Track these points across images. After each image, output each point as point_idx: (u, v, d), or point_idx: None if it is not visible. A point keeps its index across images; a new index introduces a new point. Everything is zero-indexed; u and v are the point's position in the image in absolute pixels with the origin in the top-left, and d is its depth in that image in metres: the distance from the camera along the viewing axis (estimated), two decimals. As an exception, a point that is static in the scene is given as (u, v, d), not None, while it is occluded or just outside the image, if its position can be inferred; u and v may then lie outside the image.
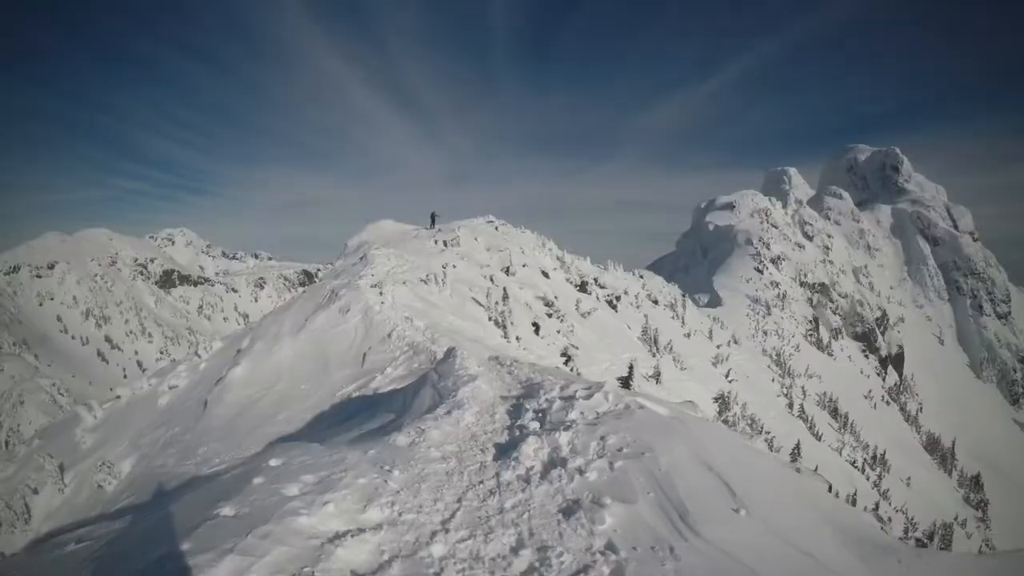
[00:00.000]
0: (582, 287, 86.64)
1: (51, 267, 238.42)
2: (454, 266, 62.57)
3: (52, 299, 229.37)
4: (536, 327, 62.93)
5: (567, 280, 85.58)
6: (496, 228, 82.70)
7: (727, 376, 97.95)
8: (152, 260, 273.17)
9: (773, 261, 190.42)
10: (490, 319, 56.39)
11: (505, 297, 58.33)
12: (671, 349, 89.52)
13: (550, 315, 68.00)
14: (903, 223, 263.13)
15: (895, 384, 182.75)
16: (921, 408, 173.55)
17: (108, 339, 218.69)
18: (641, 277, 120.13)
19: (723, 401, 76.74)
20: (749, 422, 78.82)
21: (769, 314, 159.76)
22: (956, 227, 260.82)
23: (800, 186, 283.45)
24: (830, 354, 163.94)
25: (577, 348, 64.35)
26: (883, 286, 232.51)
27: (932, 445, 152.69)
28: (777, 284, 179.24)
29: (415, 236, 71.91)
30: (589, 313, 78.13)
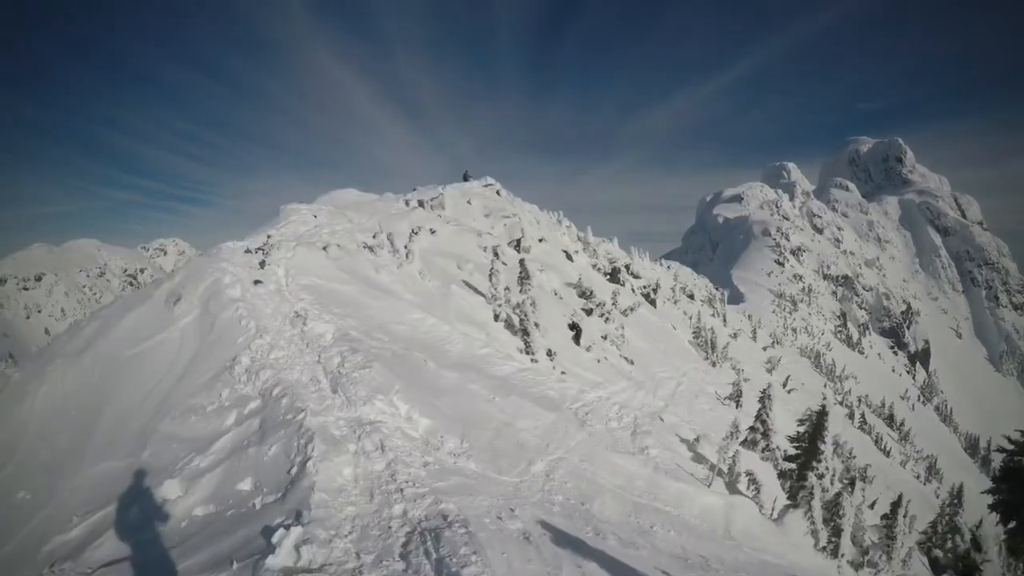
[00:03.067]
0: (613, 276, 57.55)
1: (38, 279, 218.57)
2: (431, 230, 35.60)
3: (40, 311, 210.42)
4: (575, 331, 34.06)
5: (594, 266, 57.02)
6: (498, 192, 53.21)
7: (785, 386, 71.82)
8: (142, 270, 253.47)
9: (793, 253, 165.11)
10: (497, 317, 29.71)
11: (524, 278, 29.47)
12: (727, 355, 64.21)
13: (589, 311, 39.13)
14: (911, 214, 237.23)
15: (924, 382, 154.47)
16: (948, 406, 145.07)
17: None
18: (669, 267, 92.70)
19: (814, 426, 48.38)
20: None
21: (796, 310, 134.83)
22: (964, 216, 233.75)
23: (800, 180, 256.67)
24: (861, 352, 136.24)
25: (633, 363, 39.02)
26: (896, 279, 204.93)
27: (972, 447, 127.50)
28: (800, 277, 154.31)
29: (380, 200, 47.19)
30: (632, 310, 49.26)
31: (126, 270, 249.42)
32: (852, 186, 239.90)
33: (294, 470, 12.31)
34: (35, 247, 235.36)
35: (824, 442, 27.81)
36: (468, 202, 47.94)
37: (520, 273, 31.62)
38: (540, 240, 49.80)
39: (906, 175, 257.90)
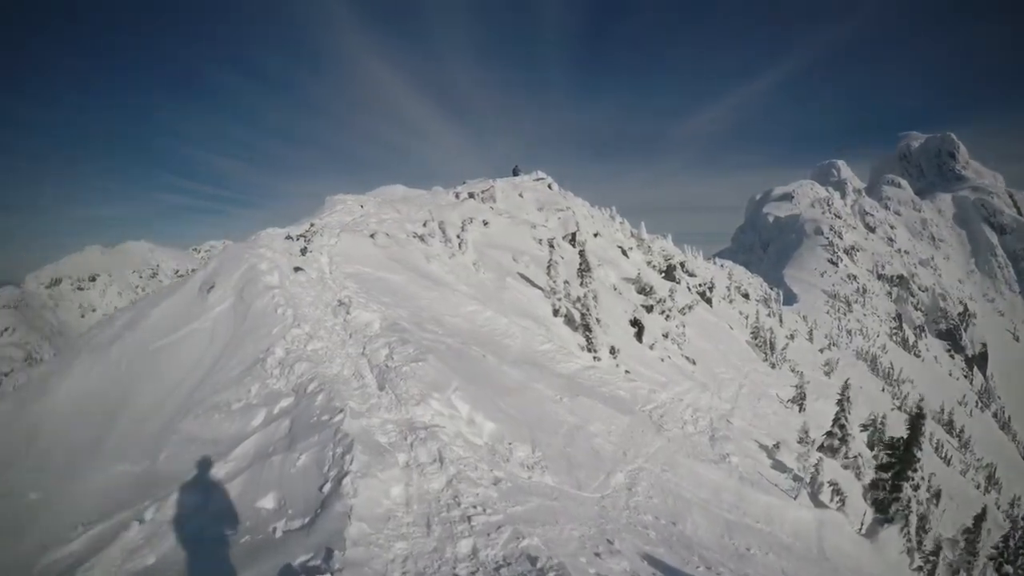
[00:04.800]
0: (668, 273, 54.78)
1: (92, 279, 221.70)
2: (484, 222, 33.04)
3: (93, 311, 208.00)
4: (637, 327, 31.48)
5: (649, 264, 54.29)
6: (550, 186, 50.80)
7: (845, 391, 66.94)
8: (193, 271, 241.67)
9: (847, 252, 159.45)
10: (557, 312, 27.36)
11: (585, 271, 27.04)
12: (785, 356, 60.93)
13: (649, 308, 36.50)
14: (966, 211, 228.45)
15: (982, 387, 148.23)
16: (1005, 412, 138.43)
17: None
18: (723, 265, 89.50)
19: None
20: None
21: (850, 311, 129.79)
22: (1021, 214, 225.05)
23: (851, 178, 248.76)
24: (917, 355, 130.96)
25: (695, 363, 36.47)
26: (951, 279, 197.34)
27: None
28: (855, 277, 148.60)
29: (429, 193, 45.47)
30: (689, 308, 46.60)
31: (177, 271, 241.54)
32: (904, 183, 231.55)
33: (327, 487, 9.89)
34: (89, 249, 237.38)
35: (920, 449, 25.12)
36: (520, 195, 45.72)
37: (580, 265, 29.24)
38: (595, 235, 47.43)
39: (959, 171, 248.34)
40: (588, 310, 26.43)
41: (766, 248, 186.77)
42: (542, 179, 54.43)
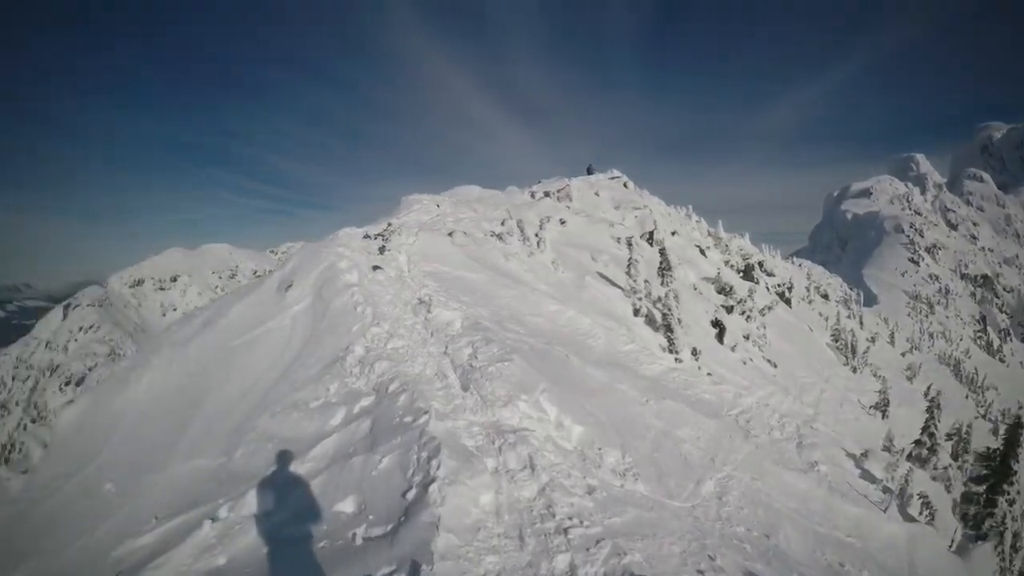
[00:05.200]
0: (747, 273, 53.22)
1: (173, 280, 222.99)
2: (561, 221, 32.10)
3: (174, 309, 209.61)
4: (719, 328, 30.56)
5: (727, 263, 52.93)
6: (625, 185, 49.79)
7: (935, 398, 64.16)
8: (270, 272, 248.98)
9: (928, 250, 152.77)
10: (637, 312, 27.59)
11: (666, 269, 26.25)
12: (867, 360, 57.64)
13: (730, 309, 35.39)
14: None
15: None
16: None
17: None
18: (800, 265, 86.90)
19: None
20: None
21: (932, 313, 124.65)
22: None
23: (930, 173, 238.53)
24: (1002, 360, 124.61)
25: (776, 366, 35.28)
26: None
27: None
28: (936, 277, 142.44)
29: (504, 193, 45.65)
30: (769, 309, 45.05)
31: (255, 272, 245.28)
32: (987, 176, 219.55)
33: (411, 493, 9.30)
34: (171, 251, 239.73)
35: (1018, 461, 23.62)
36: (596, 194, 44.96)
37: (660, 264, 28.40)
38: (673, 233, 46.43)
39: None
40: (669, 310, 25.61)
41: (844, 247, 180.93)
42: (617, 177, 53.36)
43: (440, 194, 40.45)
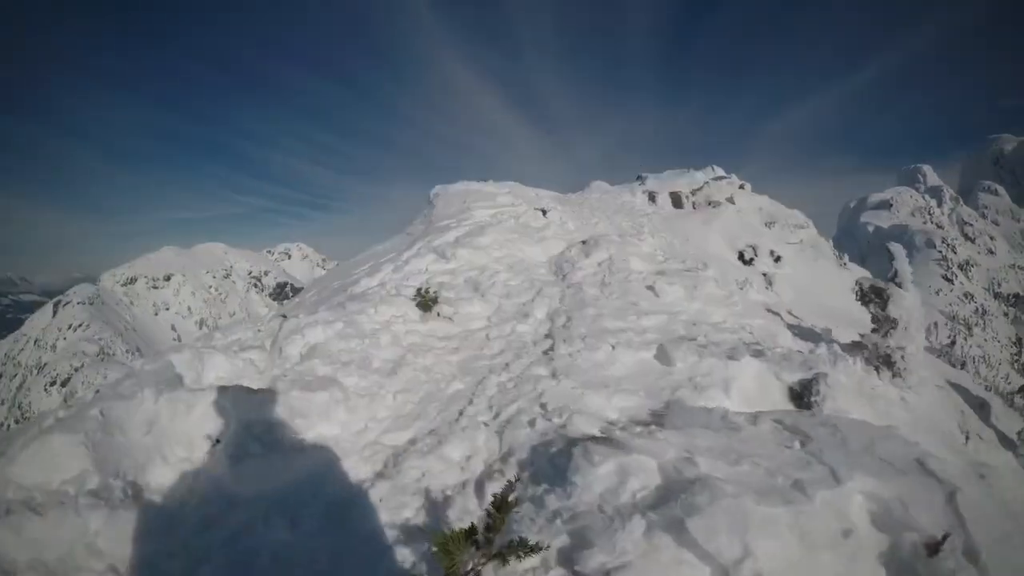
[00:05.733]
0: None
1: (167, 279, 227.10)
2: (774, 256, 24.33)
3: (167, 309, 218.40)
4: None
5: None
6: (741, 187, 40.88)
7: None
8: (266, 273, 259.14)
9: (961, 268, 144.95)
10: None
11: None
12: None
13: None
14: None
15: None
16: None
17: None
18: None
19: None
20: None
21: (971, 335, 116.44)
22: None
23: (944, 184, 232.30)
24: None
25: None
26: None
27: None
28: (972, 296, 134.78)
29: (580, 194, 35.77)
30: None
31: (251, 272, 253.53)
32: (1002, 190, 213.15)
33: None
34: (165, 249, 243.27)
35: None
36: (728, 200, 36.30)
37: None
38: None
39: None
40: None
41: (864, 262, 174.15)
42: (722, 177, 44.36)
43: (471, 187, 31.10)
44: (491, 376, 9.39)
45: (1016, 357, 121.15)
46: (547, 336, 10.94)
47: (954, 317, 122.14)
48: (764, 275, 25.79)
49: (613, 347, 9.88)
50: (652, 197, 33.62)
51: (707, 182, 36.08)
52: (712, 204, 32.73)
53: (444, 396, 9.00)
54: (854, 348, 14.30)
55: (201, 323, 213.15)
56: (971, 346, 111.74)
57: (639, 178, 40.78)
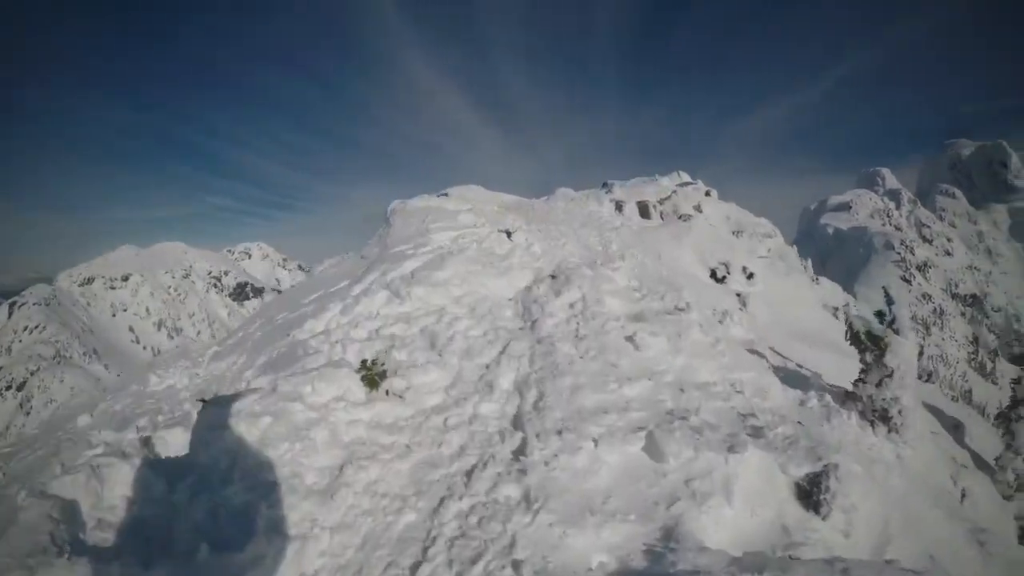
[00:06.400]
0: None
1: (125, 279, 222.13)
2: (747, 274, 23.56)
3: (125, 310, 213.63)
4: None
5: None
6: (708, 194, 39.59)
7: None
8: (226, 273, 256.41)
9: (920, 269, 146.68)
10: None
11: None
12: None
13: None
14: (1022, 224, 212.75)
15: (1022, 398, 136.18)
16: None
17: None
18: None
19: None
20: None
21: (929, 334, 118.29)
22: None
23: (902, 188, 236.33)
24: (995, 382, 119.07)
25: None
26: (1010, 297, 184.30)
27: None
28: (930, 297, 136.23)
29: (547, 200, 34.37)
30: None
31: (210, 272, 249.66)
32: (959, 193, 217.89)
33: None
34: (123, 248, 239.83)
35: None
36: (697, 210, 34.90)
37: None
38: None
39: (1011, 181, 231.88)
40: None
41: (825, 263, 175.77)
42: (689, 183, 43.01)
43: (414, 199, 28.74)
44: (451, 500, 7.53)
45: (973, 356, 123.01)
46: (515, 423, 9.17)
47: (913, 317, 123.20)
48: (738, 295, 24.44)
49: (596, 442, 8.18)
50: (619, 207, 32.22)
51: (675, 190, 34.75)
52: (683, 217, 31.35)
53: (393, 536, 7.06)
54: (847, 400, 13.02)
55: (160, 324, 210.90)
56: (930, 345, 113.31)
57: (605, 185, 39.49)
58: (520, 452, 8.24)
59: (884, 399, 12.84)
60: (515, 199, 35.92)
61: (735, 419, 9.11)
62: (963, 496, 14.59)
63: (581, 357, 10.78)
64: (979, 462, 17.48)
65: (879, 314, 14.59)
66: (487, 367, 10.64)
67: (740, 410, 9.61)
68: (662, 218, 31.73)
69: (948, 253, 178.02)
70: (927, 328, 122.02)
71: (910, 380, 13.40)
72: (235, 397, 9.33)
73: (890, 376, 13.08)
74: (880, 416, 12.58)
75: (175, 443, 8.95)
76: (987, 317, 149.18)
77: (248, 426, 8.48)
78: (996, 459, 17.48)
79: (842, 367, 23.19)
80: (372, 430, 8.91)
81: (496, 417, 9.32)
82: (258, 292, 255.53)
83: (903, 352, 13.11)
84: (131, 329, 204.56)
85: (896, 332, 14.18)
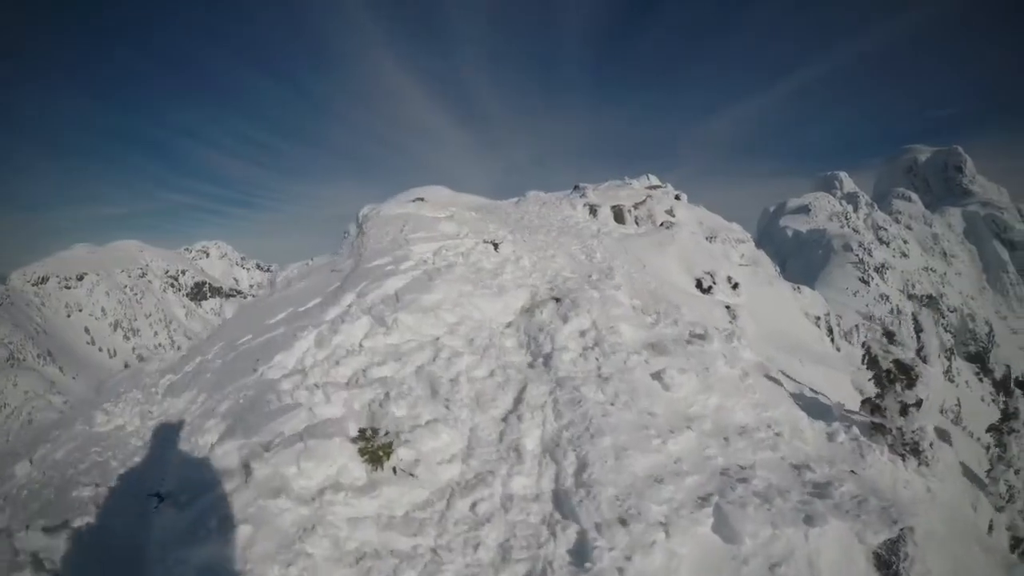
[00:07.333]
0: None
1: (80, 278, 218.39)
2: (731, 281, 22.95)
3: (80, 310, 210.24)
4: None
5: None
6: (677, 198, 39.01)
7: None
8: (183, 272, 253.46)
9: (877, 270, 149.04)
10: None
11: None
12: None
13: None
14: (976, 227, 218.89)
15: (1013, 411, 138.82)
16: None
17: (136, 351, 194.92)
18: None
19: None
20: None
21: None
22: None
23: (860, 191, 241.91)
24: (951, 380, 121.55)
25: None
26: (965, 297, 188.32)
27: None
28: (887, 297, 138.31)
29: (516, 204, 33.92)
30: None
31: (167, 271, 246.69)
32: (915, 197, 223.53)
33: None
34: (78, 247, 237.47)
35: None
36: (670, 213, 34.04)
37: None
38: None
39: (966, 185, 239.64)
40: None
41: (784, 265, 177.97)
42: (658, 186, 42.33)
43: (388, 201, 27.20)
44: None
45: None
46: (558, 503, 7.26)
47: (871, 317, 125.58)
48: (727, 307, 23.34)
49: (666, 529, 6.56)
50: (593, 211, 31.26)
51: (649, 195, 33.85)
52: (664, 224, 30.40)
53: None
54: (875, 432, 11.83)
55: (116, 325, 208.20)
56: (871, 336, 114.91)
57: (576, 188, 38.65)
58: (580, 552, 6.40)
59: (913, 431, 11.81)
60: (484, 201, 34.86)
61: (792, 475, 7.78)
62: (990, 528, 13.74)
63: (612, 404, 9.13)
64: (966, 472, 17.06)
65: (888, 334, 13.59)
66: (504, 420, 8.89)
67: (791, 460, 8.33)
68: (637, 223, 30.79)
69: (904, 255, 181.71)
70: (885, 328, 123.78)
71: (934, 407, 12.27)
72: (197, 490, 7.14)
73: (917, 406, 12.09)
74: (911, 449, 11.51)
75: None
76: (943, 317, 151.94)
77: (221, 545, 6.12)
78: (988, 471, 17.00)
79: (833, 381, 22.31)
80: (384, 531, 6.64)
81: (533, 497, 7.37)
82: (216, 291, 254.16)
83: (933, 383, 12.10)
84: (87, 330, 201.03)
85: (924, 360, 13.19)
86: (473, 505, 7.16)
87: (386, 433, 8.03)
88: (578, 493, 7.20)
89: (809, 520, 6.64)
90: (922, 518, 8.05)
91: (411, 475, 7.59)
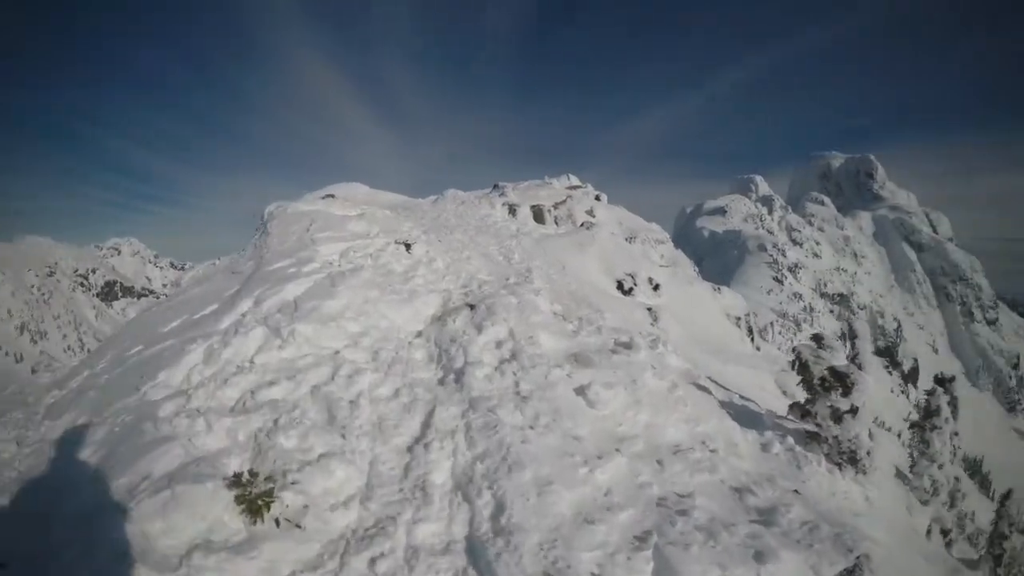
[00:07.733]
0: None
1: None
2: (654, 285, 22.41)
3: None
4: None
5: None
6: (598, 198, 38.80)
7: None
8: (94, 271, 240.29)
9: (791, 270, 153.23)
10: None
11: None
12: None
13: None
14: (885, 229, 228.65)
15: (920, 402, 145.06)
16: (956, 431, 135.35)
17: (44, 355, 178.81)
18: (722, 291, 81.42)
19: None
20: None
21: (800, 331, 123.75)
22: (936, 232, 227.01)
23: (774, 194, 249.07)
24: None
25: None
26: (874, 295, 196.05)
27: (973, 468, 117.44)
28: (800, 296, 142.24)
29: (434, 202, 34.21)
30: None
31: (77, 270, 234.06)
32: (827, 200, 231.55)
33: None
34: None
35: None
36: (590, 214, 33.70)
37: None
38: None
39: (877, 191, 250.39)
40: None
41: (700, 264, 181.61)
42: (579, 187, 42.16)
43: (302, 199, 25.68)
44: None
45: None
46: (473, 557, 6.10)
47: (784, 315, 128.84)
48: (649, 309, 22.82)
49: None
50: (513, 211, 30.62)
51: (569, 195, 33.42)
52: (584, 224, 29.93)
53: None
54: (810, 441, 11.27)
55: (23, 327, 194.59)
56: (800, 341, 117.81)
57: (496, 187, 37.97)
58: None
59: (850, 439, 11.28)
60: (402, 199, 33.92)
61: (735, 501, 6.95)
62: (928, 532, 13.53)
63: (532, 427, 8.05)
64: (897, 473, 17.33)
65: (816, 338, 13.09)
66: (409, 451, 7.69)
67: (731, 483, 7.45)
68: (557, 224, 30.24)
69: (817, 255, 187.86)
70: (798, 325, 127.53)
71: (869, 416, 11.74)
72: (30, 559, 5.41)
73: (852, 413, 11.56)
74: (849, 458, 10.96)
75: None
76: (853, 314, 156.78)
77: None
78: (911, 467, 17.38)
79: (755, 382, 21.88)
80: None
81: (442, 548, 6.17)
82: (127, 291, 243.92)
83: (868, 390, 11.58)
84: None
85: (859, 367, 12.76)
86: (372, 562, 6.02)
87: (268, 477, 6.68)
88: (496, 543, 6.14)
89: (759, 556, 5.83)
90: (875, 540, 7.35)
91: (297, 526, 6.36)
